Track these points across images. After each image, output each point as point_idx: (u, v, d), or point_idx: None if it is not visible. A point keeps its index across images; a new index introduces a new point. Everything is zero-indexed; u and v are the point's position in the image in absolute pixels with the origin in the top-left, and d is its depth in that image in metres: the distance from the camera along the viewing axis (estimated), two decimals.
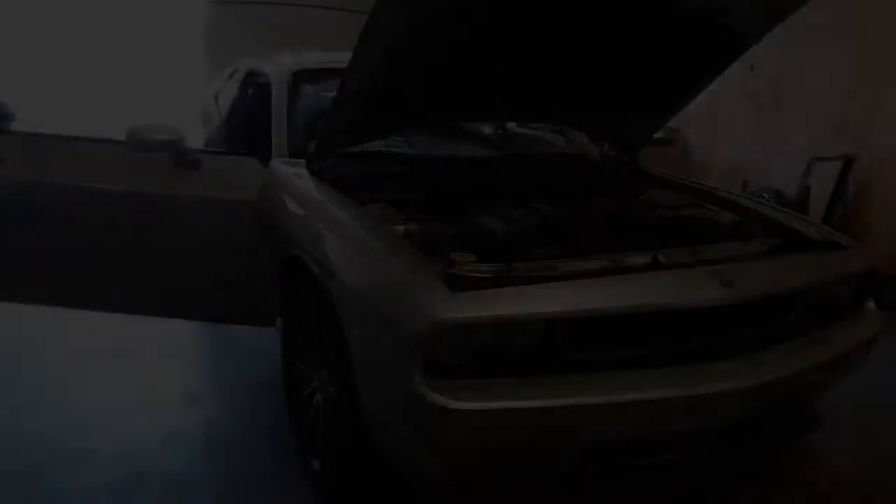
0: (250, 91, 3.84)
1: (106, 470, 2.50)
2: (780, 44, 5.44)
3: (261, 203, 2.74)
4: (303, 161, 2.69)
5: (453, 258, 1.94)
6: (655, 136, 3.21)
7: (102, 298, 2.97)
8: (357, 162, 2.80)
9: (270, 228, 2.63)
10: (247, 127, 3.67)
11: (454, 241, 2.11)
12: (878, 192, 4.88)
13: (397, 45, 2.10)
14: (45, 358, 3.40)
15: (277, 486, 2.42)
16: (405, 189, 2.56)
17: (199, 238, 2.83)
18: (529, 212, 2.44)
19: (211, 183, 2.80)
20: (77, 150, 2.85)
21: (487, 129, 3.48)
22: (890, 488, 2.50)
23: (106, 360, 3.39)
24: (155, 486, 2.41)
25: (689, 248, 2.19)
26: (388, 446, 1.91)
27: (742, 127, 5.95)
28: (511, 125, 3.69)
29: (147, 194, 2.76)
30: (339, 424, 2.13)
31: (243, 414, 2.90)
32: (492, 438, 1.80)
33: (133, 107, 7.05)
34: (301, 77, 3.13)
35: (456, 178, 2.73)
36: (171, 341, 3.61)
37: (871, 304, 2.42)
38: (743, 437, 2.20)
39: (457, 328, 1.76)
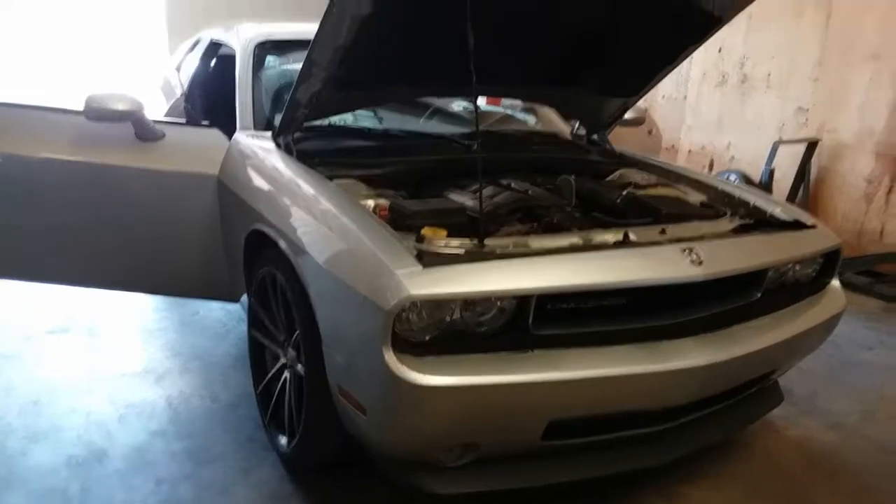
0: (213, 62, 3.75)
1: (65, 447, 2.45)
2: (747, 28, 5.52)
3: (224, 176, 2.67)
4: (268, 134, 2.64)
5: (424, 234, 1.92)
6: (625, 116, 3.20)
7: (60, 273, 2.88)
8: (324, 136, 2.75)
9: (234, 202, 2.57)
10: (210, 98, 3.59)
11: (425, 217, 2.08)
12: (837, 176, 4.97)
13: (365, 17, 2.05)
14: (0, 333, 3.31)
15: (243, 463, 2.38)
16: (374, 164, 2.51)
17: (161, 211, 2.75)
18: (501, 189, 2.43)
19: (172, 155, 2.73)
20: (31, 119, 2.74)
21: (458, 106, 3.44)
22: (852, 456, 2.56)
23: (64, 336, 3.31)
24: (115, 463, 2.36)
25: (658, 227, 2.20)
26: (356, 422, 1.89)
27: (708, 109, 6.00)
28: (481, 102, 3.66)
29: (106, 166, 2.67)
30: (306, 401, 2.10)
31: (207, 391, 2.85)
32: (462, 415, 1.79)
33: (92, 76, 6.83)
34: (266, 48, 3.05)
35: (426, 154, 2.69)
36: (133, 317, 3.53)
37: (835, 283, 2.46)
38: (706, 414, 2.23)
39: (427, 304, 1.75)
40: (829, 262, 2.42)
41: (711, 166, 5.84)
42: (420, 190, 2.50)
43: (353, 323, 1.83)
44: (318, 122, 2.69)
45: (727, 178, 4.25)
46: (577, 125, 3.40)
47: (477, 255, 1.85)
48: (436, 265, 1.76)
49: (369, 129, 2.93)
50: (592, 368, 1.85)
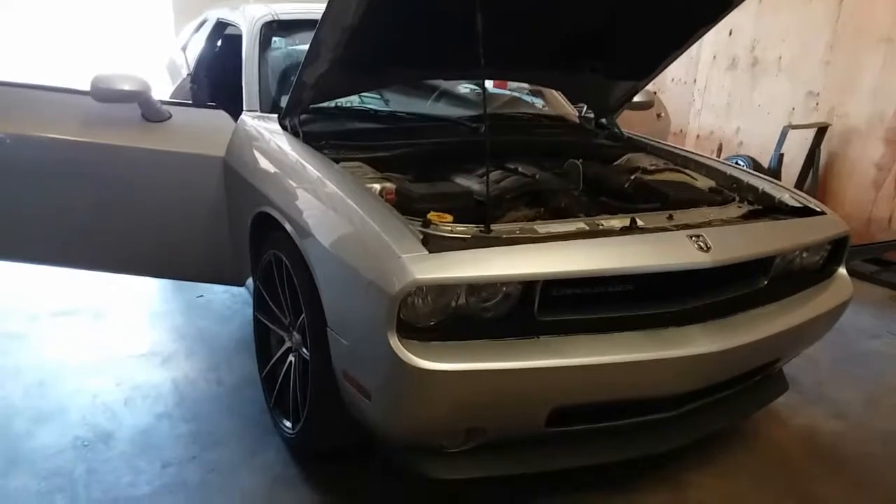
0: (219, 42, 3.73)
1: (71, 428, 2.46)
2: (758, 10, 5.45)
3: (230, 158, 2.66)
4: (274, 116, 2.62)
5: (430, 218, 1.91)
6: (634, 99, 3.17)
7: (66, 255, 2.87)
8: (331, 118, 2.73)
9: (240, 184, 2.56)
10: (216, 79, 3.57)
11: (431, 200, 2.07)
12: (847, 162, 4.92)
13: None
14: (6, 316, 3.31)
15: (248, 446, 2.39)
16: (381, 147, 2.50)
17: (167, 193, 2.74)
18: (507, 173, 2.41)
19: (179, 136, 2.71)
20: (37, 99, 2.73)
21: (465, 89, 3.42)
22: (857, 445, 2.56)
23: (70, 318, 3.32)
24: (121, 445, 2.37)
25: (666, 212, 2.19)
26: (361, 407, 1.89)
27: (718, 93, 5.94)
28: (488, 85, 3.63)
29: (112, 147, 2.66)
30: (311, 385, 2.10)
31: (213, 374, 2.85)
32: (466, 400, 1.79)
33: (97, 57, 6.80)
34: (273, 28, 3.03)
35: (433, 137, 2.67)
36: (139, 300, 3.54)
37: (842, 271, 2.44)
38: (711, 401, 2.23)
39: (433, 289, 1.74)
40: (837, 250, 2.40)
41: (720, 151, 5.80)
42: (427, 173, 2.48)
43: (358, 307, 1.83)
44: (324, 104, 2.67)
45: (736, 164, 4.22)
46: (584, 108, 3.37)
47: (483, 241, 1.84)
48: (442, 250, 1.75)
49: (376, 112, 2.91)
50: (597, 355, 1.84)
